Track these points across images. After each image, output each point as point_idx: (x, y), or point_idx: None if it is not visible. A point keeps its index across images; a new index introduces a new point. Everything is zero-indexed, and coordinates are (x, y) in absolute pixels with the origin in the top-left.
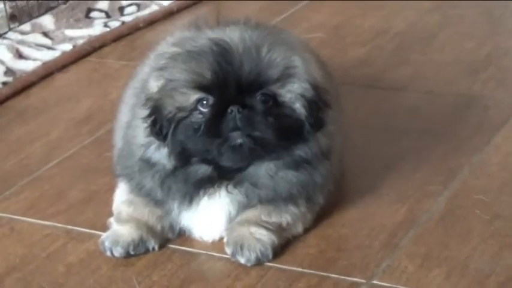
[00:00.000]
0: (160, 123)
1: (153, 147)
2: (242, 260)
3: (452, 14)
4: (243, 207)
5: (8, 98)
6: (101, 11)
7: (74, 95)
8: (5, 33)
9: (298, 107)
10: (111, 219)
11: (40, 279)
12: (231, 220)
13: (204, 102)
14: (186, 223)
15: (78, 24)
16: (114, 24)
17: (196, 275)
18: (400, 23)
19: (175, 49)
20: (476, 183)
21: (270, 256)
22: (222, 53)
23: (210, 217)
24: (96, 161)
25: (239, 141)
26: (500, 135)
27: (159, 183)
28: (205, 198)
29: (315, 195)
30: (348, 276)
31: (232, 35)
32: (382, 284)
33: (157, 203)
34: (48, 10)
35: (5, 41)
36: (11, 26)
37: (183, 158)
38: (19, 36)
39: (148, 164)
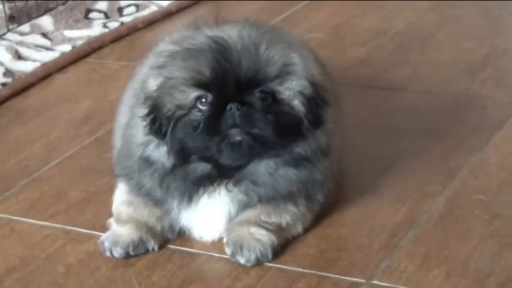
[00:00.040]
0: (159, 122)
1: (152, 145)
2: (242, 260)
3: (450, 14)
4: (243, 206)
5: (7, 99)
6: (99, 11)
7: (73, 95)
8: (4, 34)
9: (297, 104)
10: (111, 220)
11: (40, 279)
12: (230, 219)
13: (203, 99)
14: (185, 222)
15: (77, 25)
16: (113, 25)
17: (196, 276)
18: (400, 23)
19: (173, 47)
20: (475, 183)
21: (270, 256)
22: (220, 51)
23: (209, 216)
24: (96, 162)
25: (238, 138)
26: (499, 135)
27: (158, 182)
28: (205, 196)
29: (315, 193)
30: (347, 276)
31: (231, 33)
32: (382, 284)
33: (157, 202)
34: (47, 11)
35: (4, 42)
36: (10, 27)
37: (182, 156)
38: (18, 37)
39: (147, 162)
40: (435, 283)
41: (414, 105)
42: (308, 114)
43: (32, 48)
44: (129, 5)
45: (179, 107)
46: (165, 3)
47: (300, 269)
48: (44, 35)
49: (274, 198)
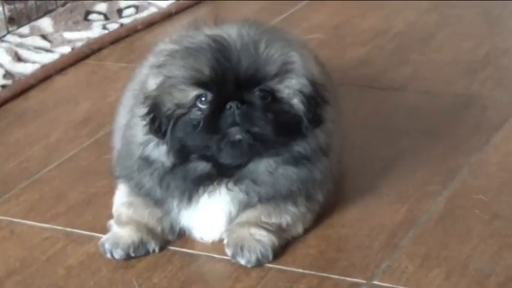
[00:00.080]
0: (159, 121)
1: (151, 144)
2: (242, 262)
3: (450, 14)
4: (243, 205)
5: (7, 101)
6: (99, 13)
7: (73, 97)
8: (4, 36)
9: (296, 102)
10: (111, 222)
11: (40, 282)
12: (231, 219)
13: (203, 98)
14: (186, 222)
15: (76, 26)
16: (113, 26)
17: (197, 277)
18: (400, 23)
19: (173, 46)
20: (475, 183)
21: (270, 257)
22: (220, 49)
23: (210, 215)
24: (96, 163)
25: (238, 137)
26: (499, 135)
27: (158, 181)
28: (205, 196)
29: (315, 193)
30: (348, 276)
31: (230, 32)
32: (382, 284)
33: (157, 202)
34: (46, 13)
35: (4, 44)
36: (10, 29)
37: (182, 155)
38: (18, 39)
39: (147, 162)
40: (435, 283)
41: (414, 105)
42: (307, 113)
43: (31, 50)
44: (128, 7)
45: (179, 106)
46: (164, 4)
47: (301, 270)
48: (44, 36)
49: (275, 198)
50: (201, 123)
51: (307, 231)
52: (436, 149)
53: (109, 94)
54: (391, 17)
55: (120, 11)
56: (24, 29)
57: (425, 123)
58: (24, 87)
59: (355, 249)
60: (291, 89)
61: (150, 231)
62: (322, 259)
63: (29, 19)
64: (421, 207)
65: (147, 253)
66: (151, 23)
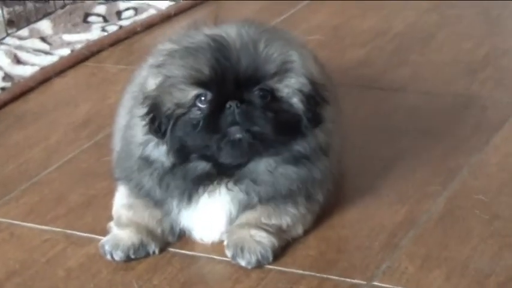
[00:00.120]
0: (158, 120)
1: (151, 144)
2: (242, 263)
3: (450, 14)
4: (244, 206)
5: (6, 104)
6: (98, 15)
7: (73, 99)
8: (3, 38)
9: (296, 101)
10: (111, 223)
11: (40, 284)
12: (231, 219)
13: (202, 98)
14: (185, 223)
15: (75, 28)
16: (112, 28)
17: (197, 278)
18: (400, 24)
19: (172, 46)
20: (475, 183)
21: (270, 258)
22: (219, 49)
23: (210, 215)
24: (95, 165)
25: (238, 136)
26: (499, 135)
27: (158, 181)
28: (205, 196)
29: (315, 193)
30: (348, 277)
31: (230, 31)
32: (383, 285)
33: (157, 203)
34: (45, 15)
35: (3, 47)
36: (9, 31)
37: (182, 154)
38: (17, 42)
39: (147, 162)
40: (435, 284)
41: (414, 106)
42: (307, 112)
43: (30, 52)
44: (127, 9)
45: (178, 105)
46: (163, 6)
47: (301, 271)
48: (43, 39)
49: (275, 198)
50: (201, 123)
51: (307, 232)
52: (436, 149)
53: (108, 96)
54: (390, 17)
55: (119, 13)
56: (24, 32)
57: (425, 123)
58: (24, 90)
59: (355, 250)
60: (291, 88)
61: (150, 233)
62: (322, 260)
63: (28, 21)
64: (421, 207)
65: (147, 255)
66: (150, 25)
